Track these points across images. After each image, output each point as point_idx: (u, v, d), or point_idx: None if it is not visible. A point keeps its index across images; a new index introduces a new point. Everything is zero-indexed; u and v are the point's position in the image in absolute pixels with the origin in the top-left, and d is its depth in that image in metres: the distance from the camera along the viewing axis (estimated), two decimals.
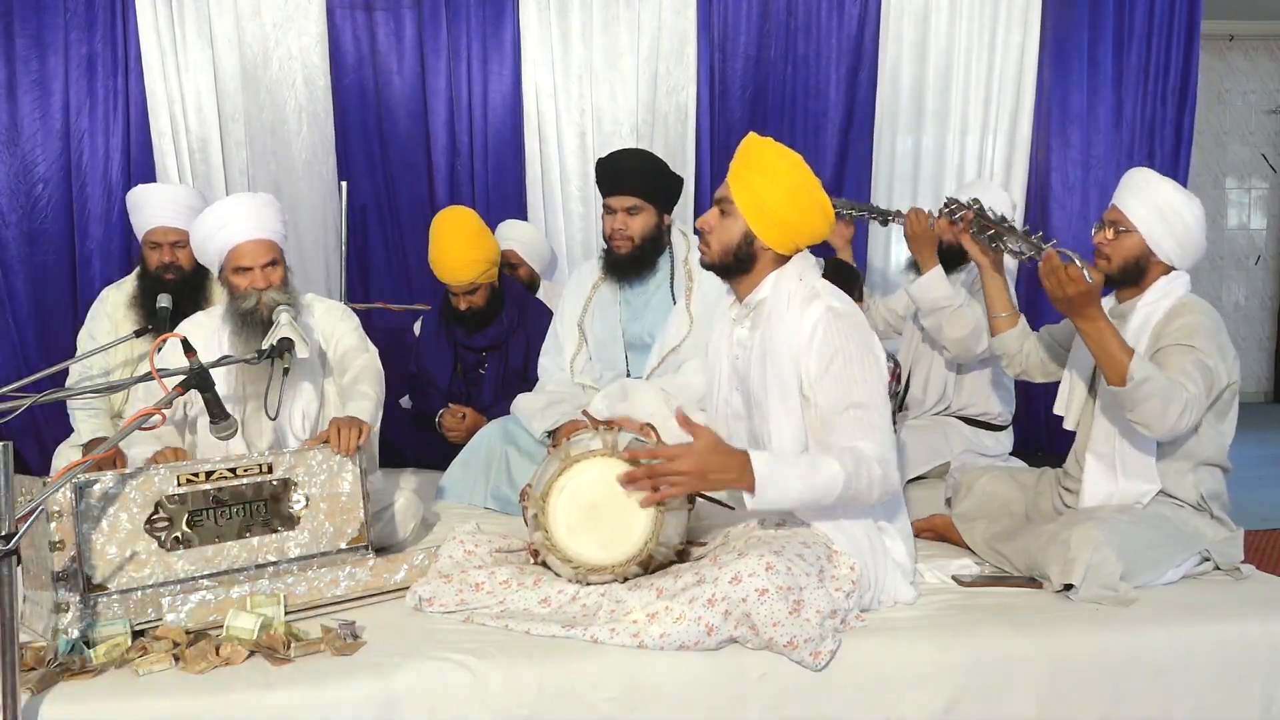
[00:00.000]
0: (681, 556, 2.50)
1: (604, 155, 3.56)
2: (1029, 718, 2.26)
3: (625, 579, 2.37)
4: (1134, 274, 2.72)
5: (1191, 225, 2.68)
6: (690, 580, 2.24)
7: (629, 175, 3.42)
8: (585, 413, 2.80)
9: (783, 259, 2.50)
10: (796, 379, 2.40)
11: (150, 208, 3.65)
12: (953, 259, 3.74)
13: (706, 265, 2.56)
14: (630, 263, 3.48)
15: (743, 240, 2.47)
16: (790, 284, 2.46)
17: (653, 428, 2.67)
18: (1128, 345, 2.51)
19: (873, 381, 2.38)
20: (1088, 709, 2.28)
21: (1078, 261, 2.49)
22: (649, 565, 2.39)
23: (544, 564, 2.48)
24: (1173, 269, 2.72)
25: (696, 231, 2.60)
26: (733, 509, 2.58)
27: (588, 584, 2.37)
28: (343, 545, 2.61)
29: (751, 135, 2.53)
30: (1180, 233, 2.68)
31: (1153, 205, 2.68)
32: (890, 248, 5.15)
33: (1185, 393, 2.47)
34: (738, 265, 2.50)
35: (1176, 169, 5.14)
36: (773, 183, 2.44)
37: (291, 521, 2.55)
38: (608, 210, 3.47)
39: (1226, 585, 2.63)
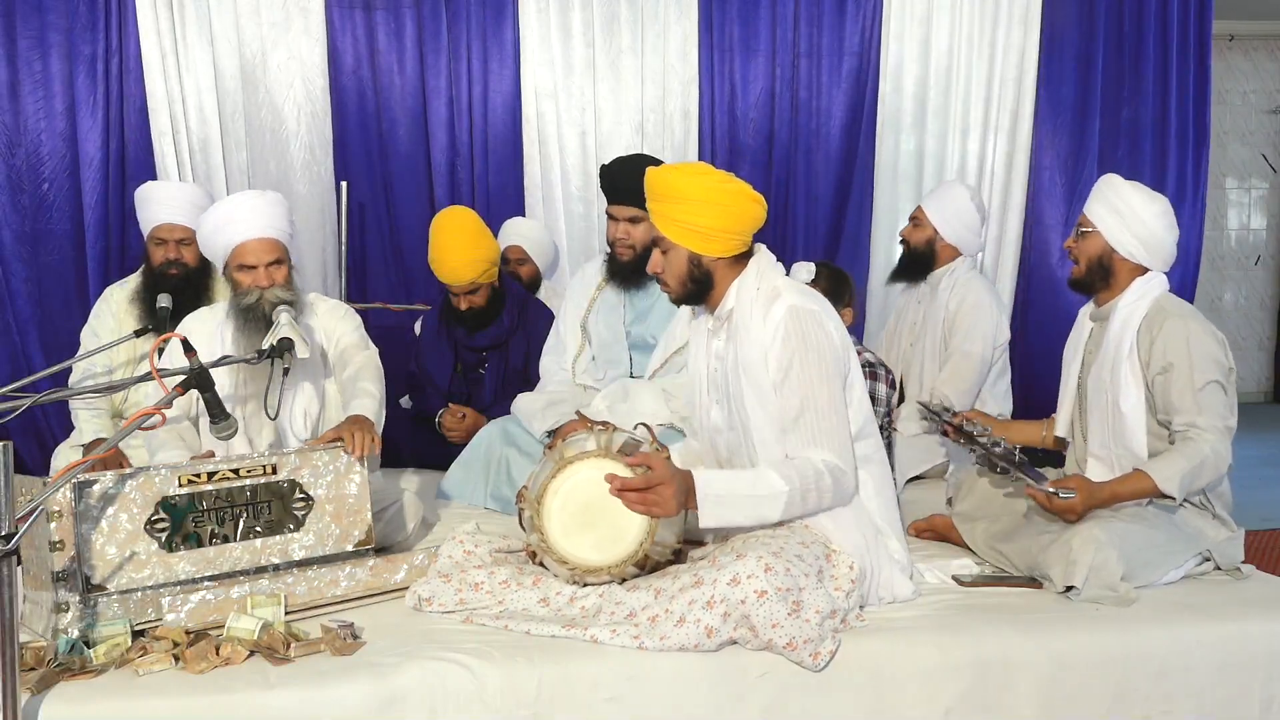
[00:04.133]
0: (679, 556, 2.50)
1: (608, 162, 3.53)
2: (1029, 718, 2.26)
3: (622, 580, 2.37)
4: (1101, 274, 2.77)
5: (1148, 221, 2.71)
6: (689, 582, 2.24)
7: (631, 186, 3.38)
8: (579, 413, 2.81)
9: (739, 260, 2.50)
10: (769, 385, 2.42)
11: (157, 204, 3.66)
12: (922, 267, 3.81)
13: (677, 303, 2.60)
14: (632, 270, 3.48)
15: (690, 264, 2.48)
16: (751, 290, 2.47)
17: (648, 427, 2.67)
18: (1141, 482, 2.59)
19: (830, 382, 2.39)
20: (1088, 709, 2.28)
21: (1049, 487, 2.56)
22: (645, 566, 2.39)
23: (542, 564, 2.48)
24: (1146, 270, 2.76)
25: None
26: None
27: (585, 585, 2.37)
28: (349, 548, 2.60)
29: (649, 170, 2.54)
30: (1136, 227, 2.71)
31: (1109, 204, 2.75)
32: (888, 256, 5.13)
33: (1205, 446, 2.58)
34: (699, 287, 2.51)
35: (1200, 169, 5.13)
36: (686, 203, 2.44)
37: (296, 523, 2.55)
38: (611, 217, 3.47)
39: (1227, 585, 2.63)
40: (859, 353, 2.88)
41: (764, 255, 2.53)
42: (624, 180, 3.41)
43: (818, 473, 2.34)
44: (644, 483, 2.28)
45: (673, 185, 2.46)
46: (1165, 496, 2.59)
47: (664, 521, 2.37)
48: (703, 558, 2.46)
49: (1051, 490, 2.56)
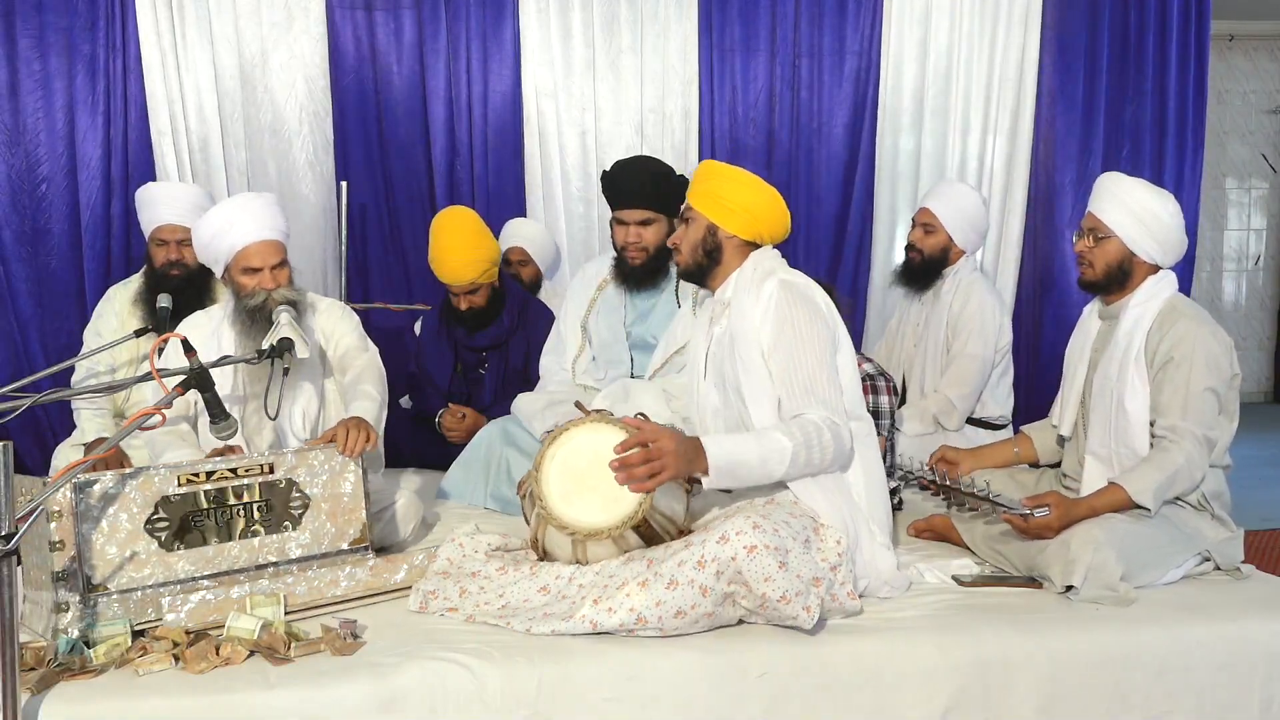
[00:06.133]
0: (682, 536, 2.50)
1: (609, 167, 3.50)
2: (1029, 718, 2.26)
3: (624, 550, 2.37)
4: (1119, 277, 2.77)
5: (1168, 222, 2.73)
6: (679, 546, 2.28)
7: (639, 189, 3.39)
8: (578, 404, 2.83)
9: (747, 251, 2.63)
10: (760, 356, 2.51)
11: (159, 205, 3.66)
12: (933, 273, 3.80)
13: (683, 274, 2.72)
14: (645, 273, 3.47)
15: (706, 233, 2.64)
16: (748, 274, 2.61)
17: (645, 417, 2.69)
18: (1115, 495, 2.59)
19: (820, 349, 2.48)
20: (1088, 709, 2.29)
21: (1025, 508, 2.58)
22: (649, 535, 2.38)
23: (545, 552, 2.48)
24: (1158, 268, 2.77)
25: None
26: (730, 491, 2.59)
27: (585, 563, 2.38)
28: (344, 546, 2.61)
29: (703, 162, 2.77)
30: (1158, 231, 2.72)
31: (1127, 208, 2.74)
32: (888, 257, 5.13)
33: (1179, 455, 2.58)
34: (708, 259, 2.65)
35: (1195, 168, 5.13)
36: (723, 180, 2.64)
37: (293, 522, 2.55)
38: (619, 222, 3.45)
39: (1226, 585, 2.63)
40: (860, 362, 2.90)
41: (767, 249, 2.67)
42: (630, 183, 3.40)
43: (818, 428, 2.40)
44: (640, 440, 2.28)
45: (720, 169, 2.69)
46: (1141, 508, 2.59)
47: (668, 495, 2.38)
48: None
49: (1027, 511, 2.57)
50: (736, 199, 2.60)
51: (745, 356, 2.52)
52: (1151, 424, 2.66)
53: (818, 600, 2.21)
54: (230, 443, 2.71)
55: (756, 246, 2.65)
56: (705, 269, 2.66)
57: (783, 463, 2.37)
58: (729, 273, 2.65)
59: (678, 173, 3.51)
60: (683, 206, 2.68)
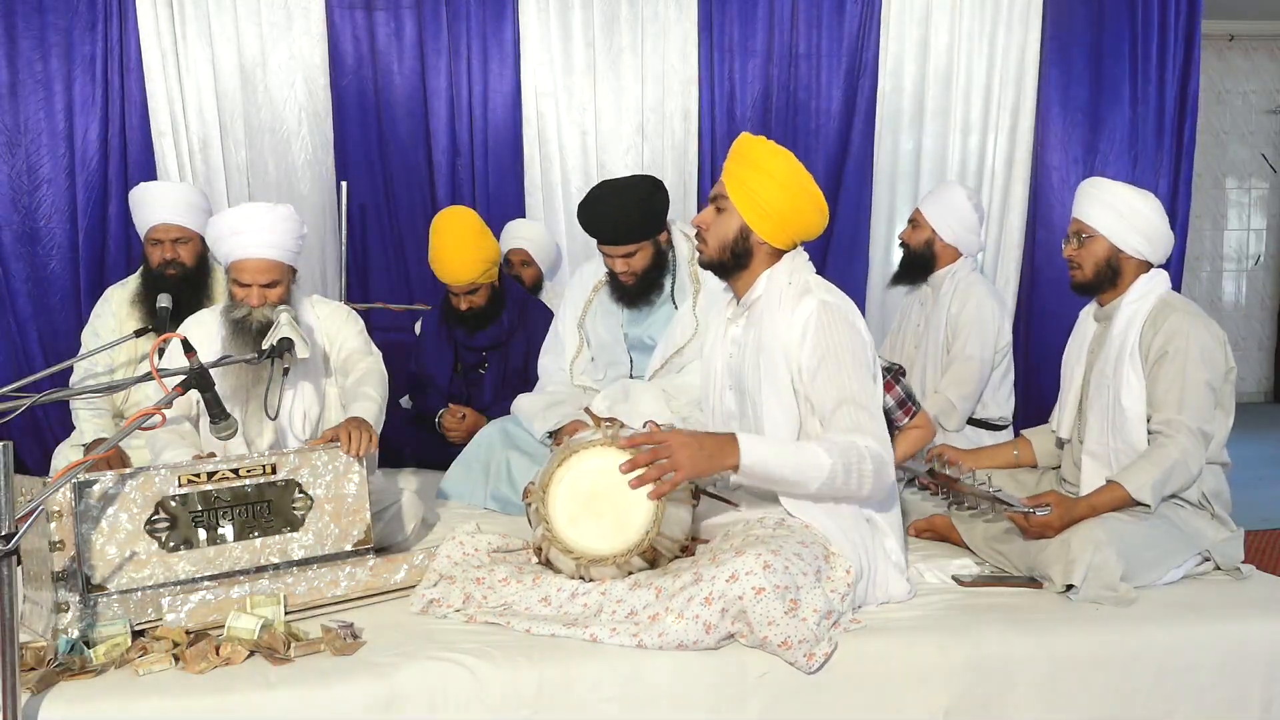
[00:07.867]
0: (686, 554, 2.50)
1: (581, 203, 3.38)
2: (1029, 718, 2.26)
3: (629, 573, 2.36)
4: (1109, 275, 2.78)
5: (1150, 216, 2.74)
6: (689, 579, 2.23)
7: (613, 230, 3.30)
8: (588, 410, 2.79)
9: (778, 255, 2.52)
10: (789, 373, 2.43)
11: (152, 205, 3.66)
12: (922, 269, 3.80)
13: (705, 264, 2.58)
14: (639, 292, 3.44)
15: (739, 235, 2.49)
16: (781, 283, 2.49)
17: (656, 424, 2.66)
18: (1115, 492, 2.59)
19: (864, 376, 2.41)
20: (1088, 709, 2.28)
21: (1025, 506, 2.57)
22: (653, 559, 2.37)
23: (548, 561, 2.47)
24: (1149, 267, 2.78)
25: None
26: (737, 505, 2.58)
27: (589, 579, 2.36)
28: (348, 547, 2.60)
29: (744, 135, 2.56)
30: (1141, 225, 2.74)
31: (1107, 206, 2.76)
32: (887, 257, 5.12)
33: (1175, 450, 2.58)
34: (735, 261, 2.52)
35: (1179, 169, 5.13)
36: (766, 177, 2.46)
37: (295, 523, 2.55)
38: (605, 254, 3.41)
39: (1226, 585, 2.63)
40: None
41: (800, 253, 2.55)
42: (602, 224, 3.32)
43: (860, 455, 2.32)
44: (648, 440, 2.23)
45: (760, 155, 2.49)
46: (1141, 504, 2.59)
47: (671, 513, 2.36)
48: (706, 554, 2.46)
49: (1028, 509, 2.57)
50: (776, 203, 2.44)
51: (771, 371, 2.44)
52: (1148, 419, 2.66)
53: (827, 648, 2.17)
54: (229, 442, 2.71)
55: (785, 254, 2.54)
56: (729, 269, 2.53)
57: (818, 478, 2.29)
58: (756, 275, 2.52)
59: (663, 183, 3.43)
60: (719, 188, 2.52)
